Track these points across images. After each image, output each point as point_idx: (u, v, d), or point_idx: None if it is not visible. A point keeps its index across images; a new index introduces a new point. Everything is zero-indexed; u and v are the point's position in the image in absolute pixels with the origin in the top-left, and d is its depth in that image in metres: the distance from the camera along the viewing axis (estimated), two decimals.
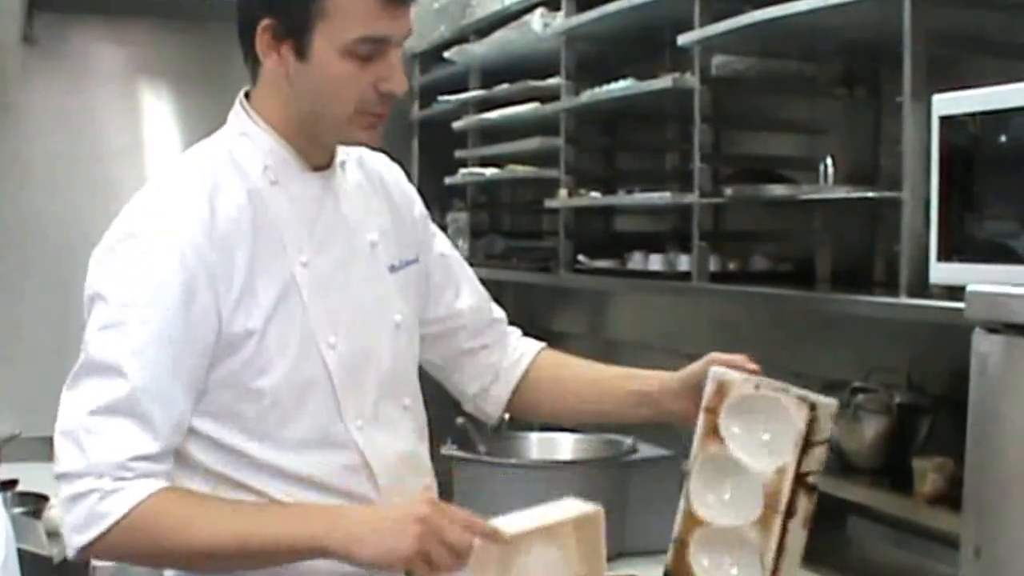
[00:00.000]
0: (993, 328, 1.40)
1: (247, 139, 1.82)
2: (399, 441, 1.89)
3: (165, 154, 4.09)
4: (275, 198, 1.80)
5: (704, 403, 1.90)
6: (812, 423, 1.79)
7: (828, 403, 1.84)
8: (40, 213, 3.99)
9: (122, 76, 4.06)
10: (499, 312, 2.16)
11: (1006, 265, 1.82)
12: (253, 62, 1.82)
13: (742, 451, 1.85)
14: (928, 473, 2.29)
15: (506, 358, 2.12)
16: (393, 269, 1.94)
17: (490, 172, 3.72)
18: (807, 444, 1.79)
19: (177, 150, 4.03)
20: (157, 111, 4.11)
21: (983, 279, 1.64)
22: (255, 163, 1.80)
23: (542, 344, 2.18)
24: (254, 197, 1.78)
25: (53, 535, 2.86)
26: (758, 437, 1.85)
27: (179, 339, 1.71)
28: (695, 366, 1.97)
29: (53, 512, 2.98)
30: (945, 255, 1.95)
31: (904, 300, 2.09)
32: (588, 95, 3.14)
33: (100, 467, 1.68)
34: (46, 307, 3.99)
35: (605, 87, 3.05)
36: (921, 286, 2.04)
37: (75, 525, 1.69)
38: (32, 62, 3.95)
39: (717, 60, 2.69)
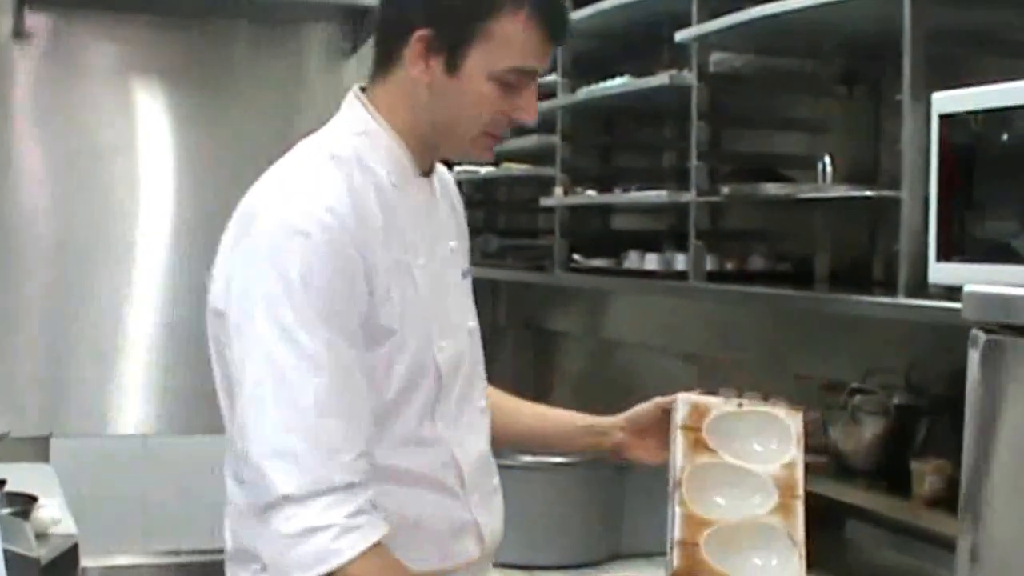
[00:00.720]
0: (990, 329, 1.38)
1: (368, 138, 1.81)
2: (479, 442, 1.92)
3: (157, 150, 4.08)
4: (398, 201, 1.80)
5: (680, 423, 1.96)
6: (806, 428, 1.90)
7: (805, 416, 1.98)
8: (33, 210, 3.97)
9: (115, 73, 4.04)
10: None
11: (1006, 265, 1.81)
12: (385, 61, 1.82)
13: (740, 459, 1.91)
14: (926, 475, 2.28)
15: None
16: (463, 275, 1.97)
17: (485, 170, 3.72)
18: (804, 447, 1.89)
19: (172, 147, 4.07)
20: (150, 108, 4.09)
21: (983, 279, 1.63)
22: (378, 165, 1.80)
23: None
24: (381, 199, 1.78)
25: (41, 536, 2.84)
26: (748, 448, 1.91)
27: (354, 336, 1.70)
28: (643, 406, 2.10)
29: (42, 512, 2.95)
30: (944, 255, 1.95)
31: (903, 300, 2.08)
32: (585, 92, 3.14)
33: (329, 480, 1.64)
34: (37, 305, 3.98)
35: (602, 84, 3.05)
36: (920, 286, 2.03)
37: (301, 562, 1.64)
38: (24, 58, 3.93)
39: (715, 57, 2.69)
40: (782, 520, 1.86)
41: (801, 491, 1.86)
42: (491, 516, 1.91)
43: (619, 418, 2.12)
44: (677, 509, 1.91)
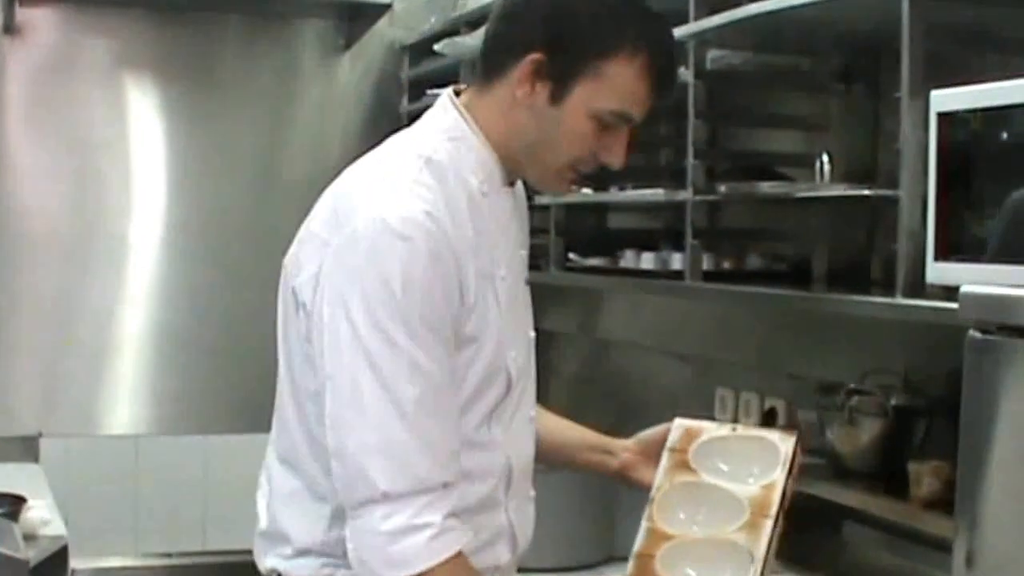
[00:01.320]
0: (987, 329, 1.37)
1: (462, 144, 1.83)
2: (529, 448, 1.96)
3: (149, 146, 4.07)
4: (487, 210, 1.83)
5: (668, 445, 2.00)
6: (795, 454, 1.91)
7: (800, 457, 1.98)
8: (24, 207, 3.97)
9: (107, 68, 4.03)
10: None
11: (1004, 265, 1.79)
12: (491, 73, 1.84)
13: (719, 480, 1.93)
14: (924, 477, 2.27)
15: None
16: (527, 282, 1.99)
17: None
18: (790, 470, 1.90)
19: (163, 142, 4.06)
20: (143, 103, 4.08)
21: (981, 279, 1.62)
22: (471, 173, 1.82)
23: None
24: (472, 207, 1.80)
25: (30, 537, 2.83)
26: (737, 470, 1.94)
27: (448, 341, 1.73)
28: (652, 430, 2.12)
29: (31, 514, 2.94)
30: (943, 254, 1.94)
31: (900, 300, 2.07)
32: None
33: (431, 479, 1.68)
34: (28, 304, 3.96)
35: None
36: (918, 286, 2.02)
37: (395, 560, 1.68)
38: (14, 53, 3.92)
39: (712, 54, 2.68)
40: (746, 537, 1.87)
41: (774, 511, 1.86)
42: (526, 523, 1.94)
43: (628, 440, 2.14)
44: (644, 524, 1.96)
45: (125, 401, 4.06)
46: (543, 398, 4.17)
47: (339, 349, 1.71)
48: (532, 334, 1.98)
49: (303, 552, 1.81)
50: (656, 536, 1.93)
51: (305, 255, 1.80)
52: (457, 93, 1.89)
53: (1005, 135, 1.85)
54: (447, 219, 1.74)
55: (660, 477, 2.01)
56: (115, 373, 4.06)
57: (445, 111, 1.87)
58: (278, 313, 1.87)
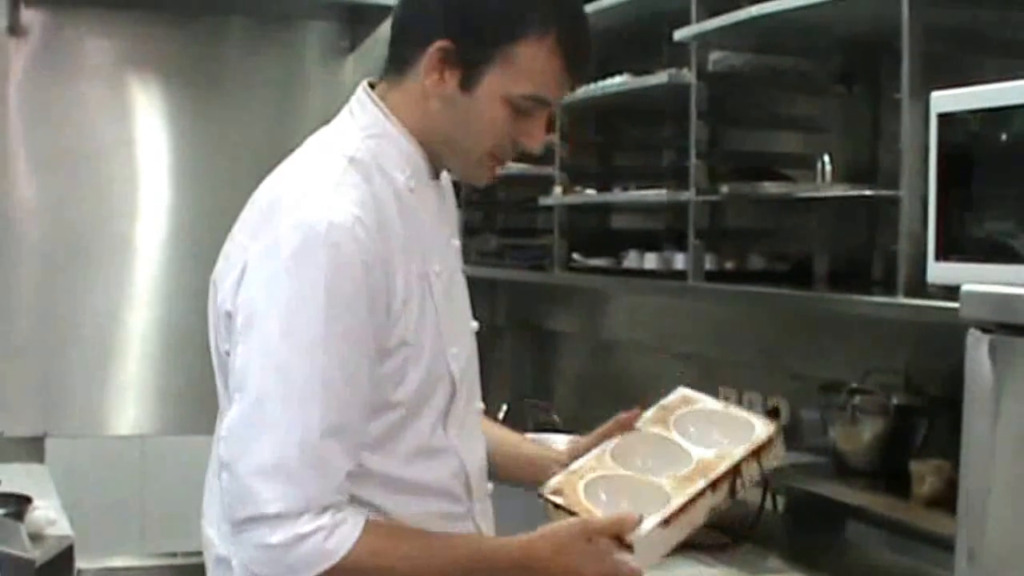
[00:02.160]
0: (987, 328, 1.38)
1: (385, 141, 1.76)
2: (479, 445, 1.89)
3: (153, 148, 4.07)
4: (415, 206, 1.77)
5: (662, 402, 2.01)
6: (769, 442, 1.86)
7: (780, 448, 1.94)
8: (29, 208, 3.96)
9: (111, 69, 4.03)
10: None
11: (1005, 265, 1.81)
12: (400, 64, 1.77)
13: (684, 440, 1.93)
14: (926, 476, 2.29)
15: None
16: (464, 273, 1.94)
17: None
18: (756, 454, 1.85)
19: (168, 144, 4.05)
20: (146, 104, 4.07)
21: (981, 279, 1.63)
22: (396, 169, 1.75)
23: None
24: (400, 204, 1.74)
25: (36, 537, 2.83)
26: (705, 437, 1.93)
27: (369, 352, 1.66)
28: (585, 439, 2.03)
29: (37, 514, 2.94)
30: (943, 254, 1.94)
31: (901, 300, 2.08)
32: (583, 91, 3.11)
33: (322, 499, 1.63)
34: (32, 304, 3.97)
35: (601, 83, 3.04)
36: (919, 286, 2.03)
37: (292, 566, 1.62)
38: (19, 54, 3.92)
39: (714, 56, 2.69)
40: (672, 486, 1.83)
41: (712, 476, 1.83)
42: (489, 522, 1.90)
43: (562, 452, 2.03)
44: (597, 450, 1.96)
45: (130, 401, 4.06)
46: (547, 397, 4.19)
47: (250, 362, 1.63)
48: (474, 324, 1.91)
49: None
50: (593, 462, 1.93)
51: (228, 266, 1.71)
52: (372, 86, 1.81)
53: (1004, 136, 1.85)
54: (375, 221, 1.67)
55: (639, 423, 2.00)
56: (120, 374, 4.05)
57: (363, 107, 1.79)
58: (210, 333, 1.78)
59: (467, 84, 1.72)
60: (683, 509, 1.80)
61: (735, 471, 1.84)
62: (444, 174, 1.89)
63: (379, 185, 1.72)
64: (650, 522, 1.77)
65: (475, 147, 1.75)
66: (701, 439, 1.93)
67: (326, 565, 1.61)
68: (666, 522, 1.78)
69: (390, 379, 1.70)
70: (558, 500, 1.87)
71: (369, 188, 1.70)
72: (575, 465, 1.92)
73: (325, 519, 1.61)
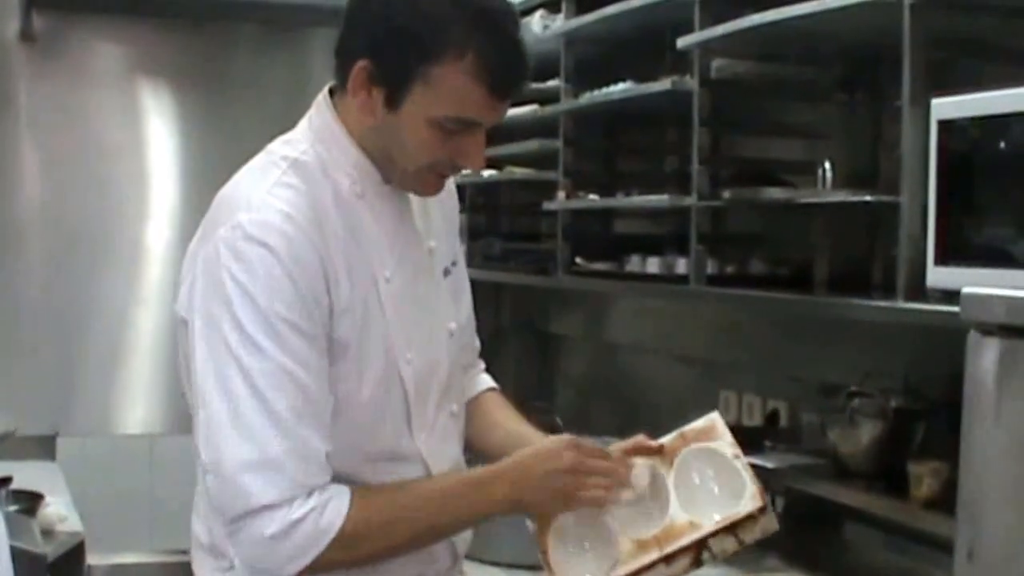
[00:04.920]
0: (988, 330, 1.39)
1: (333, 146, 1.77)
2: (451, 448, 1.90)
3: (163, 152, 4.10)
4: (361, 211, 1.77)
5: (685, 427, 1.90)
6: (750, 519, 1.76)
7: (770, 521, 1.80)
8: (38, 210, 4.00)
9: (121, 74, 4.06)
10: (477, 340, 2.12)
11: (1004, 269, 1.82)
12: (342, 78, 1.77)
13: (678, 487, 1.83)
14: (924, 477, 2.29)
15: (468, 388, 2.07)
16: (446, 273, 1.93)
17: (488, 174, 3.70)
18: (731, 529, 1.76)
19: (176, 149, 4.09)
20: (155, 110, 4.12)
21: (980, 283, 1.63)
22: (342, 175, 1.76)
23: (493, 384, 2.13)
24: (342, 209, 1.74)
25: (47, 533, 2.86)
26: (695, 491, 1.83)
27: (317, 341, 1.68)
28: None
29: (49, 510, 2.97)
30: (943, 259, 1.95)
31: (901, 304, 2.08)
32: (587, 97, 3.15)
33: (308, 481, 1.66)
34: (43, 305, 3.99)
35: (604, 89, 3.05)
36: (918, 290, 2.03)
37: (293, 554, 1.65)
38: (31, 59, 3.95)
39: (716, 63, 2.69)
40: (627, 550, 1.78)
41: (669, 550, 1.75)
42: None
43: None
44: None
45: (140, 401, 4.09)
46: (550, 400, 4.20)
47: (211, 362, 1.66)
48: (452, 325, 1.90)
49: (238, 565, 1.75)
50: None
51: (183, 271, 1.76)
52: (332, 92, 1.81)
53: (1004, 142, 1.86)
54: (311, 221, 1.68)
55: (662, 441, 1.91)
56: (130, 374, 4.09)
57: (319, 111, 1.80)
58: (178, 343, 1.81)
59: (392, 104, 1.71)
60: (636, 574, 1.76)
61: (700, 544, 1.76)
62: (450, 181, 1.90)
63: (320, 189, 1.73)
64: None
65: (411, 163, 1.74)
66: (692, 492, 1.82)
67: (324, 542, 1.65)
68: None
69: (344, 381, 1.72)
70: (530, 524, 1.87)
71: (308, 191, 1.71)
72: None
73: (313, 500, 1.65)
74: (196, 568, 1.84)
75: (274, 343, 1.64)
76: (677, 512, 1.79)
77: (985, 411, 1.41)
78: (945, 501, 2.21)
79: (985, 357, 1.40)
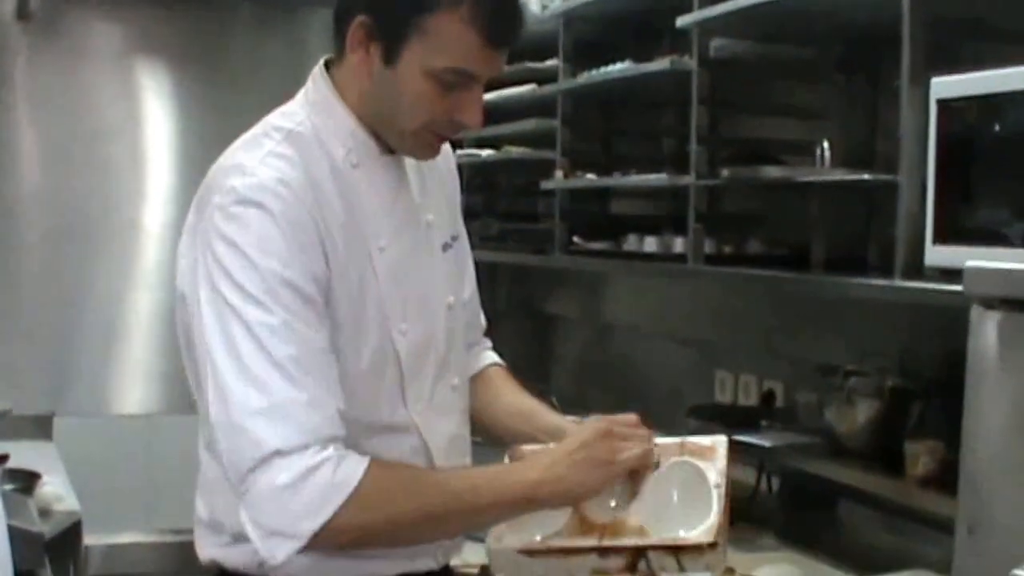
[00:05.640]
0: (990, 304, 1.39)
1: (328, 117, 1.78)
2: (450, 423, 1.89)
3: (160, 132, 4.10)
4: (357, 181, 1.77)
5: (689, 438, 1.84)
6: (696, 548, 1.71)
7: (717, 559, 1.73)
8: (35, 190, 3.99)
9: (118, 54, 4.05)
10: (483, 318, 2.12)
11: (1003, 248, 1.82)
12: (339, 41, 1.77)
13: (654, 491, 1.78)
14: (920, 456, 2.29)
15: (472, 363, 2.07)
16: (445, 248, 1.92)
17: (486, 153, 3.71)
18: (673, 550, 1.72)
19: (174, 129, 4.09)
20: (152, 89, 4.11)
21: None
22: (337, 145, 1.77)
23: (498, 360, 2.13)
24: (337, 179, 1.75)
25: (44, 512, 2.86)
26: (676, 503, 1.78)
27: (315, 302, 1.68)
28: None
29: (46, 490, 2.98)
30: (941, 238, 1.96)
31: (899, 283, 2.09)
32: (585, 77, 3.15)
33: (321, 430, 1.63)
34: (40, 284, 3.99)
35: (602, 69, 3.05)
36: (916, 269, 2.04)
37: (307, 507, 1.60)
38: (27, 39, 3.94)
39: (715, 43, 2.69)
40: (575, 526, 1.76)
41: (607, 544, 1.73)
42: None
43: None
44: None
45: (137, 381, 4.09)
46: (547, 380, 4.21)
47: (215, 322, 1.66)
48: (451, 299, 1.90)
49: (239, 538, 1.71)
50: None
51: (183, 245, 1.77)
52: (328, 64, 1.81)
53: (1003, 121, 1.86)
54: (306, 188, 1.69)
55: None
56: (127, 353, 4.09)
57: (315, 83, 1.81)
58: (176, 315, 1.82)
59: (389, 59, 1.71)
60: (554, 552, 1.74)
61: (639, 552, 1.72)
62: (445, 148, 1.90)
63: (314, 159, 1.73)
64: (510, 542, 1.75)
65: (408, 123, 1.74)
66: (663, 501, 1.77)
67: (341, 497, 1.61)
68: (529, 553, 1.75)
69: (346, 349, 1.72)
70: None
71: (302, 160, 1.72)
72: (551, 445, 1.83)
73: (330, 451, 1.62)
74: (198, 545, 1.84)
75: (272, 298, 1.64)
76: (636, 511, 1.76)
77: (987, 385, 1.41)
78: (941, 480, 2.24)
79: (987, 331, 1.40)
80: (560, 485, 1.72)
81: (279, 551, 1.62)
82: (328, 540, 1.62)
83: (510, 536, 1.77)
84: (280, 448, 1.60)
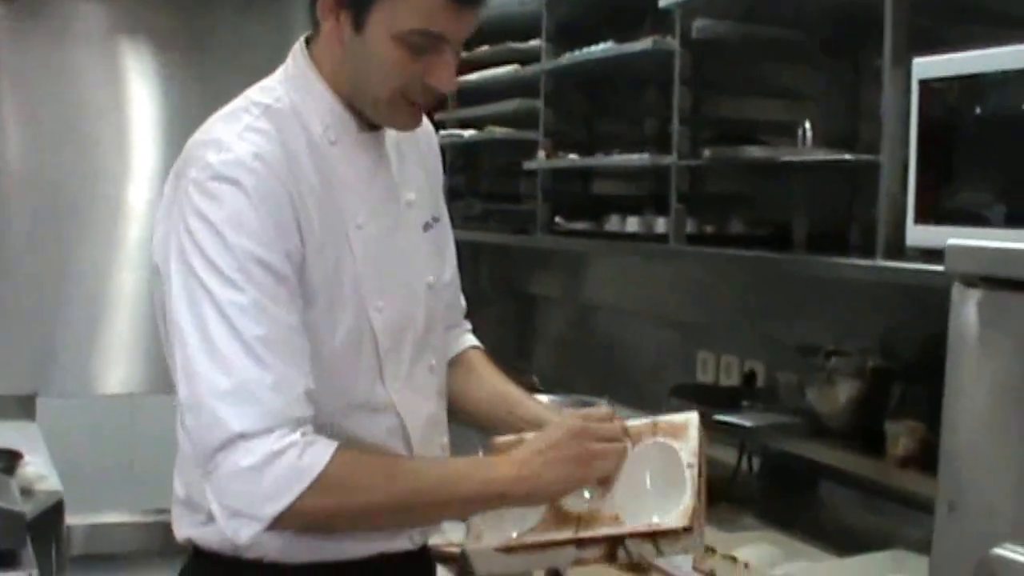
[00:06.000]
0: (971, 282, 1.39)
1: (307, 93, 1.77)
2: (428, 402, 1.88)
3: (144, 112, 4.08)
4: (335, 158, 1.77)
5: (660, 417, 1.83)
6: (672, 533, 1.69)
7: (695, 542, 1.72)
8: (18, 170, 3.97)
9: (102, 34, 4.03)
10: (463, 300, 2.12)
11: (984, 228, 1.83)
12: (313, 13, 1.77)
13: (627, 476, 1.77)
14: (900, 436, 2.30)
15: (451, 346, 2.06)
16: (426, 227, 1.91)
17: (468, 134, 3.71)
18: (651, 536, 1.70)
19: (158, 109, 4.07)
20: (137, 69, 4.09)
21: None
22: (316, 121, 1.76)
23: (477, 343, 2.12)
24: (315, 156, 1.74)
25: (26, 492, 2.86)
26: (650, 487, 1.76)
27: (289, 280, 1.68)
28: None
29: (28, 470, 2.97)
30: (922, 218, 1.96)
31: (881, 262, 2.09)
32: (568, 57, 3.14)
33: (287, 413, 1.62)
34: (23, 265, 3.97)
35: (585, 49, 3.05)
36: (898, 249, 2.04)
37: (271, 491, 1.60)
38: (11, 18, 3.91)
39: (698, 23, 2.68)
40: (549, 517, 1.75)
41: (584, 535, 1.71)
42: None
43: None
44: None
45: (120, 361, 4.07)
46: (529, 360, 4.20)
47: (185, 298, 1.65)
48: (431, 279, 1.89)
49: (213, 517, 1.68)
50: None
51: (158, 217, 1.77)
52: (309, 42, 1.80)
53: (985, 102, 1.87)
54: (283, 163, 1.68)
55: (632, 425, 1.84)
56: (110, 333, 4.07)
57: (294, 59, 1.80)
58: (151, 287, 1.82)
59: (358, 24, 1.71)
60: (532, 547, 1.74)
61: (616, 540, 1.71)
62: (426, 124, 1.90)
63: (292, 135, 1.73)
64: (488, 541, 1.75)
65: (381, 90, 1.73)
66: (637, 486, 1.76)
67: (305, 481, 1.60)
68: (508, 550, 1.74)
69: (320, 326, 1.72)
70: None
71: (280, 136, 1.71)
72: (527, 435, 1.83)
73: (296, 436, 1.62)
74: (175, 524, 1.83)
75: (244, 277, 1.64)
76: (612, 499, 1.74)
77: (968, 363, 1.40)
78: (921, 460, 2.25)
79: (968, 310, 1.39)
80: (531, 484, 1.72)
81: (242, 532, 1.63)
82: (291, 523, 1.63)
83: (488, 534, 1.76)
84: (244, 431, 1.60)
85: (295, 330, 1.67)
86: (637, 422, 1.82)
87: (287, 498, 1.60)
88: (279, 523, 1.61)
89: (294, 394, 1.64)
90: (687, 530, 1.67)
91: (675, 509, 1.70)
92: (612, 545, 1.71)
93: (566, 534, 1.72)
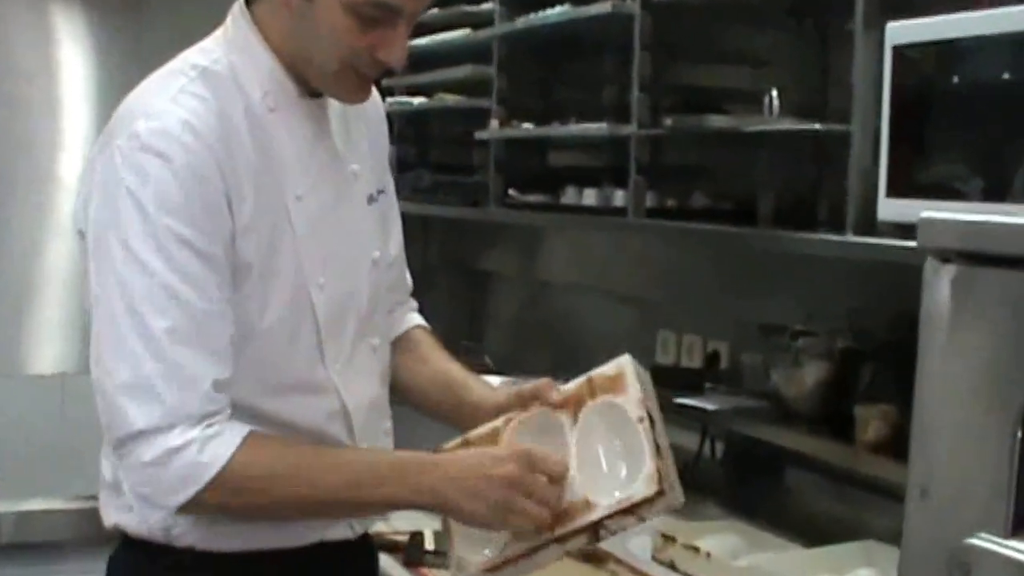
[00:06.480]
0: (945, 257, 1.34)
1: (247, 56, 1.72)
2: (370, 385, 1.86)
3: (76, 76, 4.01)
4: (273, 126, 1.72)
5: (592, 372, 1.78)
6: (646, 501, 1.64)
7: (673, 498, 1.67)
8: None
9: None
10: (409, 277, 2.07)
11: (958, 202, 1.81)
12: None
13: (581, 451, 1.72)
14: (871, 421, 2.28)
15: (396, 325, 2.02)
16: (371, 200, 1.88)
17: (418, 101, 3.69)
18: (629, 510, 1.65)
19: (90, 70, 4.00)
20: (68, 31, 4.01)
21: None
22: (255, 86, 1.71)
23: (423, 322, 2.06)
24: (253, 123, 1.70)
25: None
26: (607, 458, 1.72)
27: (214, 261, 1.63)
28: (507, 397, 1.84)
29: None
30: (895, 191, 1.94)
31: (851, 238, 2.07)
32: (523, 21, 3.11)
33: (188, 409, 1.60)
34: None
35: (541, 13, 3.01)
36: (869, 224, 2.02)
37: (172, 485, 1.61)
38: None
39: None
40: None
41: (561, 532, 1.68)
42: None
43: (501, 396, 1.87)
44: (491, 424, 1.79)
45: (52, 338, 4.02)
46: (481, 339, 4.16)
47: (99, 278, 1.64)
48: (376, 254, 1.86)
49: None
50: (491, 441, 1.77)
51: (80, 183, 1.73)
52: (249, 2, 1.76)
53: (961, 69, 1.84)
54: (214, 134, 1.64)
55: (558, 393, 1.78)
56: (41, 310, 4.01)
57: (234, 21, 1.76)
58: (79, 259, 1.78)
59: None
60: (518, 559, 1.70)
61: (596, 524, 1.67)
62: (375, 96, 1.86)
63: (230, 100, 1.69)
64: (470, 564, 1.72)
65: (328, 61, 1.69)
66: (593, 460, 1.71)
67: (204, 479, 1.60)
68: (495, 568, 1.70)
69: (251, 302, 1.68)
70: None
71: (216, 102, 1.67)
72: (472, 434, 1.80)
73: (196, 432, 1.61)
74: (103, 509, 1.81)
75: (161, 259, 1.60)
76: (575, 486, 1.69)
77: (941, 341, 1.38)
78: (893, 446, 2.24)
79: (941, 286, 1.37)
80: (443, 503, 1.68)
81: (151, 516, 1.69)
82: (198, 511, 1.65)
83: (468, 556, 1.74)
84: (143, 428, 1.60)
85: (211, 314, 1.63)
86: (571, 385, 1.78)
87: (188, 492, 1.61)
88: (185, 511, 1.64)
89: (198, 389, 1.62)
90: (660, 493, 1.64)
91: (639, 474, 1.66)
92: (594, 531, 1.68)
93: (546, 535, 1.69)
